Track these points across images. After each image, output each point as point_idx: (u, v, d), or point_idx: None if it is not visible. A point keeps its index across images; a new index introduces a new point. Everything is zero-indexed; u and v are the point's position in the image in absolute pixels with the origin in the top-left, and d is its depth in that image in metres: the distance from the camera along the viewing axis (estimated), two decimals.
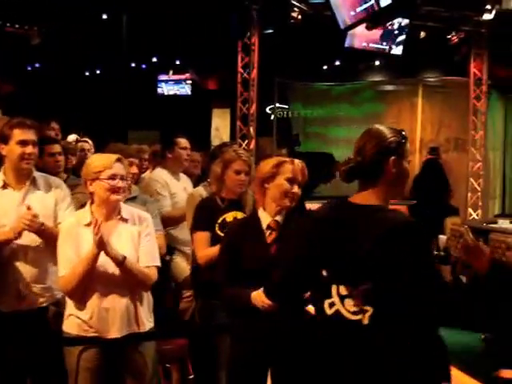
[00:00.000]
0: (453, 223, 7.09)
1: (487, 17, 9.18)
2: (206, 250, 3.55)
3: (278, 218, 2.91)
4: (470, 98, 10.58)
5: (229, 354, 3.02)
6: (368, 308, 2.14)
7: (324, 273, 2.25)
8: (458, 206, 9.76)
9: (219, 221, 3.57)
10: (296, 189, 2.90)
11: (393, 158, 2.19)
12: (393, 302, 2.11)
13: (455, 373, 5.24)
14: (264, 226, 2.92)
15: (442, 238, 7.04)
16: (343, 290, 2.20)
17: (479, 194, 10.47)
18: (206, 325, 3.66)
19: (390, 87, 11.73)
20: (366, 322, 2.14)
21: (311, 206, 7.98)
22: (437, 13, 9.51)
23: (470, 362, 5.02)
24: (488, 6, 9.03)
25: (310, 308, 2.84)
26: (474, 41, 10.48)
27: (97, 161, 3.06)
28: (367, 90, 11.51)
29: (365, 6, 6.00)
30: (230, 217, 3.58)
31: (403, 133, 2.28)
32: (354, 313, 2.17)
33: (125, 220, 3.07)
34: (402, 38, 9.30)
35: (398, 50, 9.49)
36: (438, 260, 7.45)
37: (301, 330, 2.69)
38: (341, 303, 2.21)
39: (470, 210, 10.42)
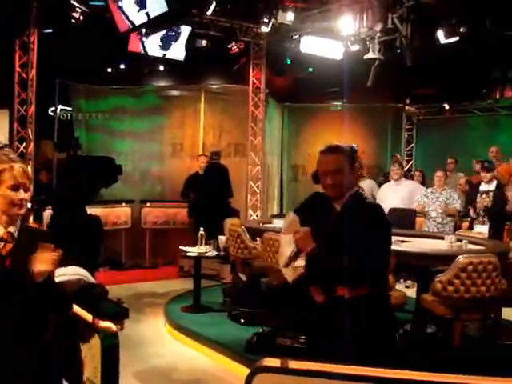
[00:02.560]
0: (232, 224, 7.35)
1: (265, 29, 9.74)
2: None
3: (12, 228, 2.72)
4: (249, 106, 11.18)
5: None
6: None
7: None
8: (238, 208, 10.20)
9: None
10: (23, 194, 2.72)
11: None
12: None
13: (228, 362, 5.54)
14: None
15: (222, 238, 7.30)
16: None
17: (258, 196, 11.12)
18: None
19: (174, 92, 11.91)
20: None
21: (94, 210, 7.85)
22: (218, 23, 9.90)
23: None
24: (265, 19, 9.58)
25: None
26: (253, 51, 11.10)
27: None
28: (152, 93, 11.58)
29: (142, 12, 6.08)
30: None
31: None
32: None
33: None
34: (183, 45, 9.54)
35: (179, 57, 9.73)
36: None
37: None
38: None
39: (250, 211, 11.03)
